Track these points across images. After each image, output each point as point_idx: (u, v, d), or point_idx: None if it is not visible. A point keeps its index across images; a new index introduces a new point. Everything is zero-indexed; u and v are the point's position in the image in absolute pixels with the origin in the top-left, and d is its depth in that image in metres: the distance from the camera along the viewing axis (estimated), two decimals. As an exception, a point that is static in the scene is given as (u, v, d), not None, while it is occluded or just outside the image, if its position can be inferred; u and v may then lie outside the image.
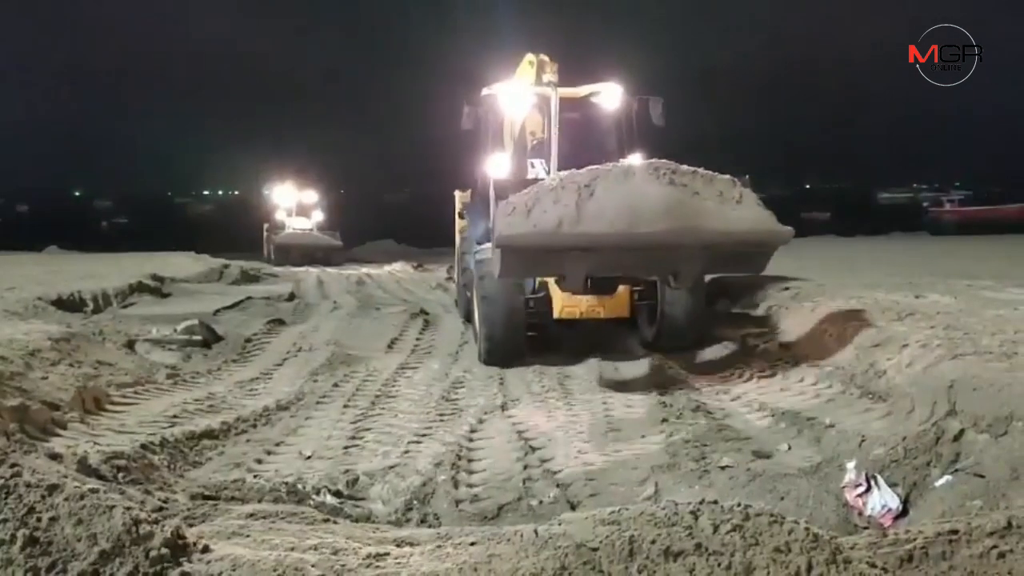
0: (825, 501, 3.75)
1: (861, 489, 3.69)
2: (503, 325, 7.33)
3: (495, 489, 4.19)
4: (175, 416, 5.43)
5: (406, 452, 4.82)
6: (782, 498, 3.79)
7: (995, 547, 2.36)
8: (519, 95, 8.46)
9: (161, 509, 3.07)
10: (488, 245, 6.71)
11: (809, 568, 2.06)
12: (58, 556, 1.95)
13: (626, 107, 8.79)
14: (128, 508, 2.12)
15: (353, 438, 5.16)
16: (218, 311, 10.26)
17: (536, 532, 2.19)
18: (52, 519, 2.02)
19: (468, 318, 9.14)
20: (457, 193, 10.51)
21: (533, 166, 8.90)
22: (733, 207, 5.75)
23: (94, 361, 6.53)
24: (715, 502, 2.30)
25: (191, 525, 2.68)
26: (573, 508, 3.85)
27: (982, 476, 3.55)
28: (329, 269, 21.96)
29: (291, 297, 13.12)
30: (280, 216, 28.64)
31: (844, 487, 3.77)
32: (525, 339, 7.51)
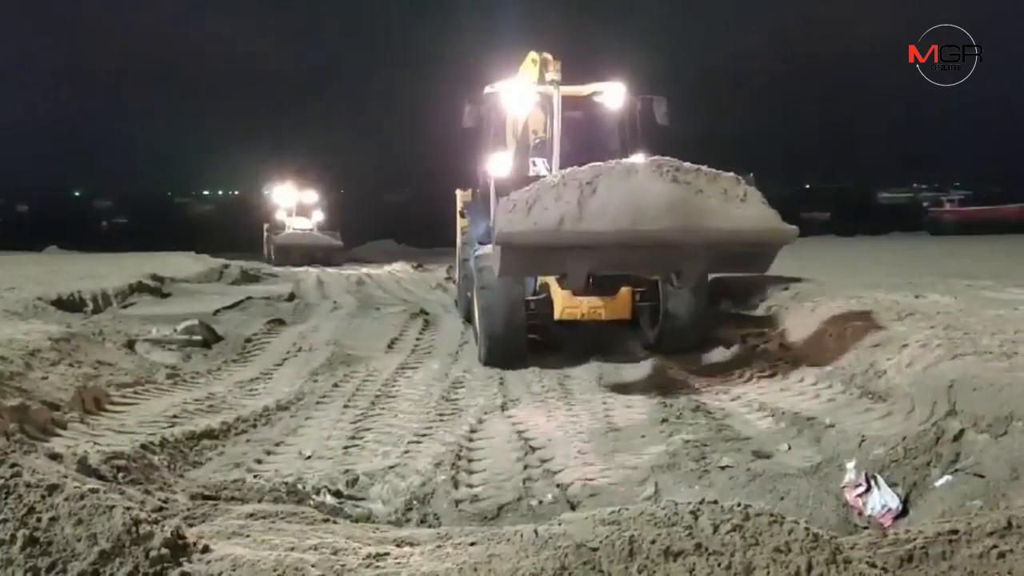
0: (825, 501, 3.74)
1: (861, 489, 3.68)
2: (503, 325, 7.25)
3: (495, 489, 4.18)
4: (175, 416, 5.43)
5: (406, 452, 4.81)
6: (782, 498, 3.78)
7: (995, 547, 2.36)
8: (522, 93, 8.40)
9: (161, 509, 3.07)
10: (489, 245, 6.66)
11: (809, 568, 2.06)
12: (58, 556, 1.95)
13: (629, 106, 8.76)
14: (128, 508, 2.12)
15: (353, 438, 5.15)
16: (218, 311, 10.26)
17: (536, 532, 2.19)
18: (52, 519, 2.02)
19: (468, 318, 9.11)
20: (458, 192, 10.44)
21: (535, 165, 8.85)
22: (737, 205, 5.60)
23: (94, 361, 6.52)
24: (715, 502, 2.30)
25: (191, 525, 2.68)
26: (573, 508, 3.85)
27: (982, 476, 3.55)
28: (329, 269, 21.96)
29: (291, 297, 13.12)
30: (280, 216, 28.61)
31: (844, 487, 3.76)
32: (526, 340, 7.45)
